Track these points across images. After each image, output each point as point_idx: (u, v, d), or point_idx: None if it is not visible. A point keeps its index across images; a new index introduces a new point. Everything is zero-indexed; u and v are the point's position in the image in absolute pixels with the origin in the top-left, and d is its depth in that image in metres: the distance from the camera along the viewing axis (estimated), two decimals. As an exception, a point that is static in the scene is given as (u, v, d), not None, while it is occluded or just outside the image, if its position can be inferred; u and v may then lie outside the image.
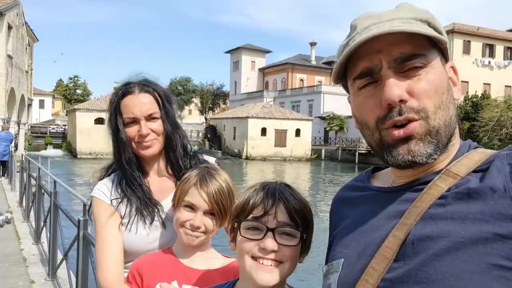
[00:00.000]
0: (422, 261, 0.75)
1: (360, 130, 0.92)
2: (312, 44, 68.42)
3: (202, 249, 1.47)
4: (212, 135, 53.23)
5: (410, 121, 0.81)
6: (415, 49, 0.82)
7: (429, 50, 0.83)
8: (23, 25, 30.32)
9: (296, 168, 38.82)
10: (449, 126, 0.84)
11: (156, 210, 1.60)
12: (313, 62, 67.63)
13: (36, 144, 44.39)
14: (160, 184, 1.68)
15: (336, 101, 54.44)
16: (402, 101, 0.80)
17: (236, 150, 46.93)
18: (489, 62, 47.40)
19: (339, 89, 61.03)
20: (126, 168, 1.62)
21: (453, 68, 0.91)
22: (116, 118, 1.62)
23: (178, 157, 1.66)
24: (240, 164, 39.84)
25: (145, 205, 1.60)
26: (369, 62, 0.84)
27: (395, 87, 0.80)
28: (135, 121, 1.59)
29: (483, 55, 47.94)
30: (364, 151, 43.38)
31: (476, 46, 47.48)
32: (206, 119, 67.50)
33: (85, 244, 3.67)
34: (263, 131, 46.11)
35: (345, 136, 48.52)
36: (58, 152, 45.27)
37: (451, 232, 0.74)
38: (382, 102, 0.82)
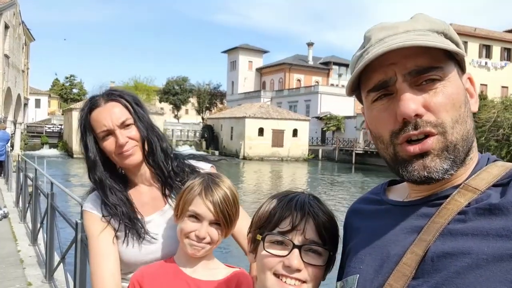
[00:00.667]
0: (443, 278, 0.72)
1: (374, 143, 0.90)
2: (310, 44, 68.43)
3: (205, 259, 1.43)
4: (209, 135, 53.12)
5: (426, 135, 0.79)
6: (431, 61, 0.79)
7: (446, 62, 0.81)
8: (19, 24, 30.18)
9: (293, 169, 38.81)
10: (466, 140, 0.81)
11: (141, 226, 1.53)
12: (311, 63, 67.67)
13: (32, 144, 44.20)
14: (150, 194, 1.62)
15: (333, 102, 54.58)
16: (417, 115, 0.78)
17: (233, 150, 46.88)
18: (486, 63, 47.58)
19: (336, 89, 61.50)
20: (98, 189, 1.57)
21: (470, 79, 0.88)
22: (86, 137, 1.56)
23: (158, 160, 1.59)
24: (237, 164, 39.79)
25: (128, 223, 1.53)
26: (383, 75, 0.82)
27: (411, 102, 0.78)
28: (109, 133, 1.52)
29: (480, 56, 48.09)
30: (361, 152, 43.45)
31: (473, 46, 47.60)
32: (203, 119, 67.43)
33: (83, 247, 3.63)
34: (261, 131, 46.07)
35: (342, 136, 48.62)
36: (54, 151, 45.05)
37: (473, 248, 0.71)
38: (397, 116, 0.80)
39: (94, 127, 1.54)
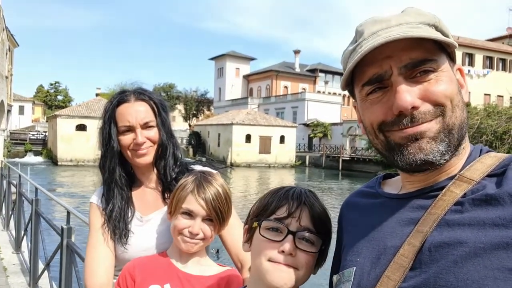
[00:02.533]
0: (440, 268, 0.73)
1: (367, 136, 0.90)
2: (296, 51, 68.85)
3: (198, 255, 1.45)
4: (196, 141, 52.96)
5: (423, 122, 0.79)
6: (425, 54, 0.80)
7: (438, 54, 0.82)
8: (3, 30, 29.79)
9: (280, 175, 38.84)
10: (462, 128, 0.82)
11: (124, 228, 1.56)
12: (297, 70, 68.07)
13: (15, 151, 43.53)
14: (152, 195, 1.67)
15: (320, 108, 54.96)
16: (414, 107, 0.79)
17: (220, 157, 46.75)
18: (469, 71, 48.39)
19: (323, 96, 61.95)
20: (106, 179, 1.61)
21: (460, 70, 0.90)
22: (109, 127, 1.60)
23: (167, 166, 1.64)
24: (224, 171, 39.59)
25: (115, 221, 1.57)
26: (379, 68, 0.82)
27: (407, 94, 0.78)
28: (130, 129, 1.57)
29: (463, 64, 48.90)
30: (348, 158, 43.76)
31: (456, 55, 47.98)
32: (190, 125, 67.26)
33: (69, 253, 3.58)
34: (248, 138, 46.09)
35: (329, 143, 48.94)
36: (38, 159, 44.45)
37: (470, 238, 0.72)
38: (393, 109, 0.80)
39: (118, 120, 1.59)
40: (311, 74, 68.19)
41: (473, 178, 0.79)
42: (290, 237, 0.99)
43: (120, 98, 1.61)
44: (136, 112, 1.57)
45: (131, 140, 1.57)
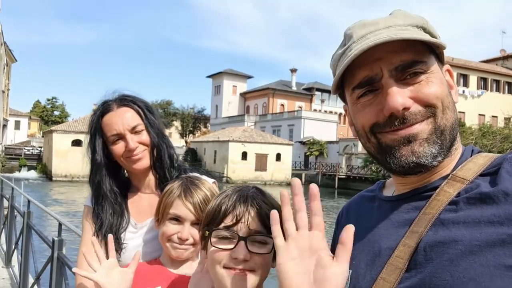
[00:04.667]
0: (436, 267, 0.72)
1: (359, 139, 0.91)
2: (293, 70, 69.49)
3: (190, 259, 1.43)
4: (193, 158, 52.86)
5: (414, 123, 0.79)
6: (415, 56, 0.80)
7: (428, 56, 0.83)
8: (1, 44, 29.97)
9: (276, 193, 38.25)
10: (453, 129, 0.83)
11: (116, 240, 1.55)
12: (294, 88, 68.53)
13: (10, 166, 43.27)
14: (149, 200, 1.65)
15: (316, 127, 55.13)
16: (405, 108, 0.79)
17: (216, 174, 46.55)
18: (463, 92, 48.84)
19: (319, 114, 62.27)
20: (93, 193, 1.60)
21: (448, 71, 0.91)
22: (95, 140, 1.58)
23: (165, 168, 1.62)
24: (220, 188, 39.39)
25: (114, 235, 1.55)
26: (369, 71, 0.82)
27: (398, 95, 0.78)
28: (120, 137, 1.55)
29: (458, 85, 49.23)
30: (344, 176, 43.73)
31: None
32: (186, 142, 67.26)
33: (59, 266, 3.52)
34: (244, 155, 46.06)
35: (325, 161, 48.97)
36: (33, 174, 44.19)
37: (466, 236, 0.72)
38: (384, 111, 0.80)
39: (105, 131, 1.56)
40: (308, 92, 68.66)
41: (466, 177, 0.79)
42: (242, 243, 0.99)
43: (103, 109, 1.59)
44: (122, 119, 1.55)
45: (124, 148, 1.54)
